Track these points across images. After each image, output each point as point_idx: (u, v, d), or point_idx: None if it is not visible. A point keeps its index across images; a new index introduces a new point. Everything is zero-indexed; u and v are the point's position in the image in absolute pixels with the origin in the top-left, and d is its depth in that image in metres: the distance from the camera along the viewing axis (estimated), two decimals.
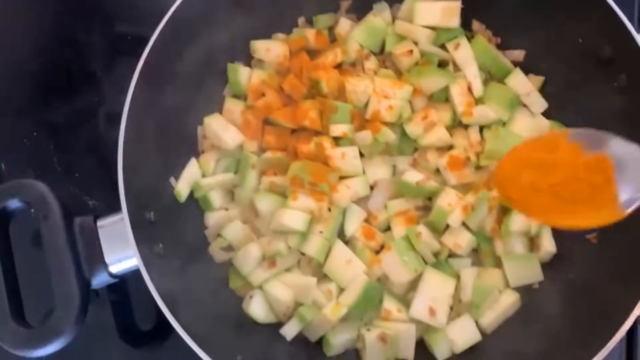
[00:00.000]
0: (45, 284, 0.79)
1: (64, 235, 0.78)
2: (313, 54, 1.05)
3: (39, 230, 0.82)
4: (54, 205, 0.80)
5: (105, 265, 0.81)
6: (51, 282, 0.77)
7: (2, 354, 0.76)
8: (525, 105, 1.00)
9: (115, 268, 0.82)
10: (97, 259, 0.80)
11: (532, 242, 0.94)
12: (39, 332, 0.75)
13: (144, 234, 0.81)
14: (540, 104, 0.99)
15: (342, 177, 0.96)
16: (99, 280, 0.81)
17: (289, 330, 0.89)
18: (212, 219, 0.96)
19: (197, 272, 0.91)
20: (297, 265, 0.94)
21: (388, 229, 0.96)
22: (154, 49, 0.89)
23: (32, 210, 0.81)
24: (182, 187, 0.94)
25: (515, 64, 1.02)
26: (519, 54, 1.03)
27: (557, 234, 0.93)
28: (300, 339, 0.91)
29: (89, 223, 0.82)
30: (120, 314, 1.04)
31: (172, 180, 0.94)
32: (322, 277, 0.93)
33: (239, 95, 1.04)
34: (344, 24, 1.06)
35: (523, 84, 0.99)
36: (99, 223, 0.83)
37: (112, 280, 0.83)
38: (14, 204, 0.80)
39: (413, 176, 0.94)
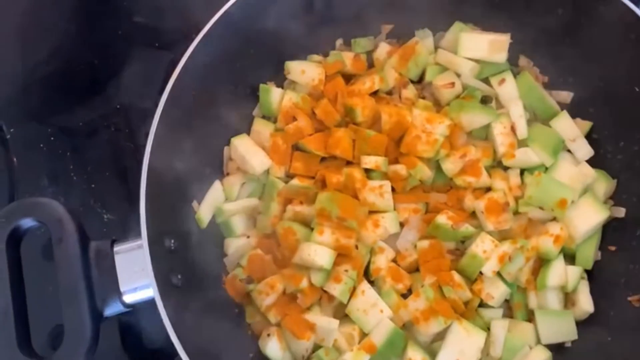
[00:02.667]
0: (54, 301, 0.75)
1: (79, 262, 0.74)
2: (348, 77, 1.01)
3: (49, 243, 0.78)
4: (70, 227, 0.75)
5: (120, 295, 0.76)
6: (62, 310, 0.73)
7: None
8: (569, 151, 0.95)
9: (130, 298, 0.77)
10: (112, 288, 0.76)
11: (568, 298, 0.90)
12: None
13: (163, 264, 0.77)
14: (586, 150, 0.94)
15: (371, 212, 0.91)
16: (112, 310, 0.77)
17: None
18: (232, 246, 0.92)
19: (215, 304, 0.86)
20: (317, 302, 0.89)
21: (417, 269, 0.91)
22: (185, 67, 0.85)
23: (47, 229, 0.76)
24: (204, 212, 0.90)
25: (562, 106, 0.97)
26: (566, 96, 0.97)
27: (596, 292, 0.88)
28: None
29: (105, 248, 0.77)
30: (126, 332, 0.99)
31: (194, 204, 0.89)
32: (343, 317, 0.88)
33: (269, 117, 0.99)
34: (383, 49, 1.02)
35: (569, 128, 0.94)
36: (116, 248, 0.78)
37: (125, 310, 0.78)
38: (27, 223, 0.76)
39: (447, 217, 0.89)
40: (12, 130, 1.07)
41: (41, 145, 1.06)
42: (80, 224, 0.77)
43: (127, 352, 0.98)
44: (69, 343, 0.72)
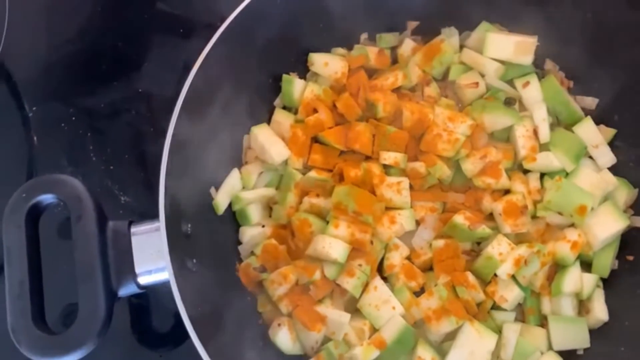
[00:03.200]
0: (67, 280, 0.76)
1: (96, 240, 0.74)
2: (371, 72, 1.00)
3: (66, 222, 0.78)
4: (89, 206, 0.76)
5: (135, 276, 0.76)
6: (77, 287, 0.73)
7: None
8: (591, 158, 0.94)
9: (145, 279, 0.77)
10: (127, 269, 0.76)
11: (582, 305, 0.89)
12: (59, 339, 0.71)
13: (179, 247, 0.77)
14: (608, 158, 0.93)
15: (387, 208, 0.91)
16: (126, 291, 0.77)
17: None
18: (247, 234, 0.91)
19: (227, 291, 0.86)
20: (329, 295, 0.89)
21: (430, 268, 0.91)
22: (209, 54, 0.85)
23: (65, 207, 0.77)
24: (221, 198, 0.90)
25: (586, 111, 0.96)
26: (591, 102, 0.96)
27: (611, 300, 0.87)
28: None
29: (122, 229, 0.77)
30: (136, 313, 1.00)
31: (212, 190, 0.89)
32: (355, 311, 0.88)
33: (290, 108, 0.99)
34: (407, 45, 1.01)
35: (593, 135, 0.93)
36: (133, 230, 0.78)
37: (139, 291, 0.79)
38: (47, 199, 0.76)
39: (465, 218, 0.88)
40: (34, 108, 1.08)
41: (62, 124, 1.06)
42: (99, 203, 0.78)
43: (135, 333, 0.98)
44: (82, 321, 0.72)
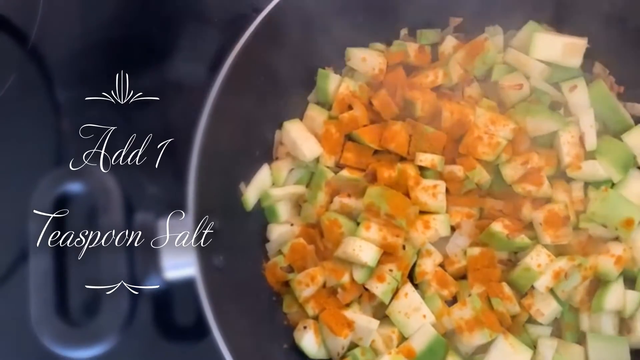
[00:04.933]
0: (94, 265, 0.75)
1: (122, 233, 0.72)
2: (410, 69, 0.97)
3: (94, 211, 0.77)
4: (116, 197, 0.74)
5: (160, 271, 0.74)
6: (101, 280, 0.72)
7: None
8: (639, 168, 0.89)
9: (170, 274, 0.75)
10: (153, 262, 0.74)
11: (624, 324, 0.84)
12: (82, 332, 0.70)
13: (206, 244, 0.75)
14: None
15: (421, 212, 0.88)
16: (151, 285, 0.75)
17: None
18: (275, 232, 0.89)
19: (252, 289, 0.84)
20: (357, 299, 0.86)
21: (464, 277, 0.87)
22: (245, 46, 0.82)
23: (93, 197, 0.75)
24: (250, 194, 0.88)
25: (636, 119, 0.91)
26: None
27: None
28: None
29: (149, 222, 0.75)
30: (159, 307, 0.98)
31: (241, 185, 0.87)
32: (383, 318, 0.85)
33: (324, 104, 0.96)
34: (449, 43, 0.97)
35: None
36: (160, 223, 0.76)
37: (164, 286, 0.77)
38: (74, 189, 0.75)
39: (503, 226, 0.84)
40: (65, 93, 1.07)
41: (92, 111, 1.05)
42: (127, 195, 0.76)
43: (158, 327, 0.97)
44: (106, 314, 0.70)
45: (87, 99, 1.06)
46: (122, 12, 1.13)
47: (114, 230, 0.72)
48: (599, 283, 0.85)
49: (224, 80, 0.81)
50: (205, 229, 0.76)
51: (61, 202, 0.75)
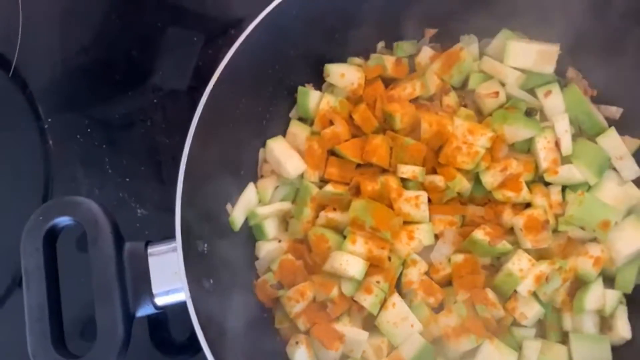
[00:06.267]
0: (86, 294, 0.76)
1: (114, 263, 0.74)
2: (389, 82, 0.98)
3: (82, 236, 0.79)
4: (105, 228, 0.75)
5: (152, 297, 0.76)
6: (95, 310, 0.73)
7: None
8: (615, 170, 0.91)
9: (162, 300, 0.77)
10: (144, 290, 0.76)
11: (605, 322, 0.87)
12: None
13: (196, 268, 0.77)
14: (633, 170, 0.91)
15: (405, 222, 0.90)
16: (144, 311, 0.77)
17: None
18: (264, 249, 0.91)
19: (243, 308, 0.86)
20: (347, 312, 0.88)
21: (449, 283, 0.90)
22: (226, 68, 0.83)
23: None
24: (237, 214, 0.89)
25: (610, 121, 0.94)
26: (615, 111, 0.94)
27: (635, 317, 0.86)
28: None
29: (139, 250, 0.77)
30: (154, 326, 1.00)
31: (228, 206, 0.89)
32: (372, 328, 0.87)
33: (305, 120, 0.97)
34: (426, 54, 0.99)
35: (617, 146, 0.90)
36: (150, 250, 0.78)
37: (156, 312, 0.79)
38: (64, 221, 0.76)
39: (485, 233, 0.87)
40: (49, 119, 1.08)
41: (77, 136, 1.06)
42: (116, 224, 0.78)
43: (154, 345, 0.99)
44: (101, 343, 0.72)
45: (71, 121, 1.08)
46: (101, 34, 1.14)
47: (105, 261, 0.74)
48: (579, 284, 0.87)
49: (207, 102, 0.82)
50: (193, 254, 0.78)
51: (51, 235, 0.76)
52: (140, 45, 1.13)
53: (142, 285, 0.76)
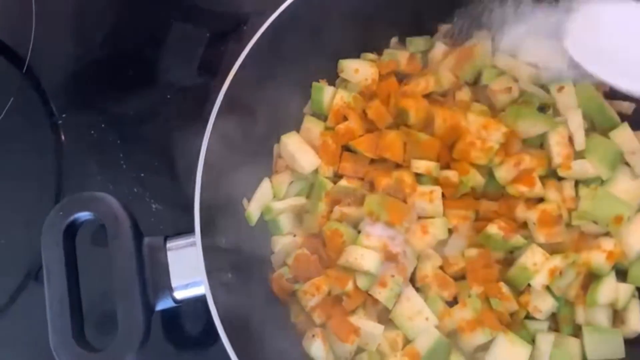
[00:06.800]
0: (104, 287, 0.77)
1: (134, 259, 0.75)
2: (402, 77, 0.99)
3: (98, 230, 0.80)
4: (125, 224, 0.76)
5: (171, 291, 0.77)
6: (116, 304, 0.74)
7: None
8: (628, 164, 0.92)
9: (181, 294, 0.78)
10: (164, 284, 0.77)
11: (617, 315, 0.88)
12: (100, 356, 0.72)
13: (214, 262, 0.78)
14: None
15: (419, 217, 0.90)
16: (163, 305, 0.78)
17: None
18: (279, 244, 0.92)
19: (261, 301, 0.87)
20: (362, 305, 0.89)
21: (463, 277, 0.91)
22: (244, 63, 0.84)
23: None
24: (253, 209, 0.90)
25: (623, 117, 0.94)
26: (628, 107, 0.94)
27: None
28: None
29: (158, 244, 0.78)
30: (171, 322, 1.01)
31: (244, 201, 0.90)
32: (388, 322, 0.88)
33: (320, 115, 0.98)
34: (439, 49, 0.99)
35: (629, 141, 0.91)
36: (169, 245, 0.79)
37: (175, 305, 0.79)
38: (84, 216, 0.77)
39: (499, 228, 0.87)
40: (63, 115, 1.08)
41: (92, 132, 1.07)
42: (135, 220, 0.78)
43: (169, 339, 1.00)
44: (122, 336, 0.73)
45: (85, 117, 1.09)
46: (113, 31, 1.15)
47: (125, 257, 0.75)
48: (592, 277, 0.88)
49: (224, 97, 0.83)
50: (212, 248, 0.79)
51: (71, 230, 0.77)
52: (152, 42, 1.13)
53: (162, 279, 0.77)
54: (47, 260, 0.75)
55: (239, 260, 0.84)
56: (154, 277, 0.76)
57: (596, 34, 0.66)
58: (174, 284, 0.77)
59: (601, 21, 0.67)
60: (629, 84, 0.67)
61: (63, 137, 1.08)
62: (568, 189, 0.91)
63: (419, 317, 0.85)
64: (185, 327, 1.01)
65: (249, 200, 0.91)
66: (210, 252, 0.77)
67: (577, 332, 0.88)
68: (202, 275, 0.76)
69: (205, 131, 0.80)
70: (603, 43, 0.66)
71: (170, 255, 0.78)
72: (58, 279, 0.74)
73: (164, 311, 0.98)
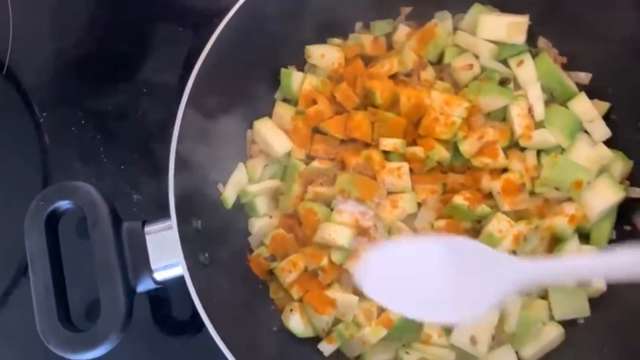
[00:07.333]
0: (88, 277, 0.80)
1: (113, 242, 0.78)
2: (368, 60, 1.02)
3: (81, 223, 0.83)
4: (104, 211, 0.80)
5: (151, 272, 0.81)
6: (98, 287, 0.78)
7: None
8: (586, 132, 0.96)
9: (160, 275, 0.81)
10: (144, 266, 0.80)
11: None
12: (85, 336, 0.76)
13: (191, 244, 0.81)
14: (603, 132, 0.95)
15: (389, 193, 0.94)
16: (144, 287, 0.82)
17: (328, 347, 0.89)
18: (256, 225, 0.95)
19: (239, 280, 0.91)
20: (338, 279, 0.93)
21: None
22: (211, 51, 0.87)
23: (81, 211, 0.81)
24: (229, 193, 0.93)
25: (580, 87, 0.98)
26: (585, 77, 0.98)
27: None
28: (338, 354, 0.91)
29: (136, 229, 0.82)
30: (157, 305, 1.04)
31: (219, 186, 0.93)
32: (362, 293, 0.91)
33: (290, 100, 1.01)
34: (402, 31, 1.03)
35: (587, 110, 0.95)
36: (147, 229, 0.82)
37: (156, 286, 0.83)
38: (64, 205, 0.80)
39: (464, 198, 0.91)
40: (44, 114, 1.12)
41: (72, 128, 1.10)
42: (113, 207, 0.82)
43: (157, 323, 1.03)
44: (105, 317, 0.77)
45: (66, 115, 1.12)
46: (91, 29, 1.18)
47: (105, 241, 0.79)
48: (557, 241, 0.92)
49: (192, 88, 0.86)
50: (188, 230, 0.82)
51: (53, 218, 0.81)
52: (129, 39, 1.16)
53: (141, 261, 0.80)
54: (30, 248, 0.78)
55: (216, 241, 0.88)
56: (134, 260, 0.80)
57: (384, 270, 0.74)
58: (153, 265, 0.81)
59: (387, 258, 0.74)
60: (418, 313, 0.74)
61: (45, 135, 1.11)
62: (530, 158, 0.94)
63: None
64: (174, 313, 1.04)
65: (224, 184, 0.94)
66: (186, 235, 0.80)
67: (544, 294, 0.92)
68: (180, 257, 0.79)
69: (176, 121, 0.84)
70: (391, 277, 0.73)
71: (149, 239, 0.82)
72: (42, 266, 0.78)
73: (152, 298, 1.04)
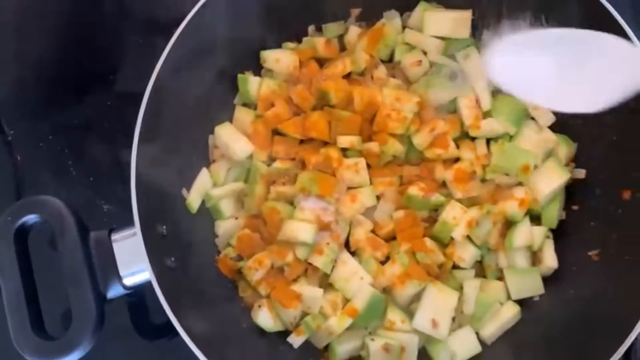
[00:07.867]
0: (61, 287, 0.83)
1: (80, 251, 0.82)
2: (323, 62, 1.06)
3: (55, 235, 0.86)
4: (69, 220, 0.83)
5: (120, 278, 0.84)
6: (68, 296, 0.81)
7: None
8: (533, 118, 1.00)
9: (129, 281, 0.85)
10: (112, 273, 0.84)
11: (535, 256, 0.96)
12: (58, 343, 0.79)
13: (156, 249, 0.84)
14: (548, 117, 0.99)
15: (348, 188, 0.98)
16: (114, 293, 0.85)
17: (296, 339, 0.92)
18: (222, 227, 0.99)
19: (208, 282, 0.94)
20: (304, 274, 0.97)
21: (393, 238, 0.98)
22: (167, 61, 0.91)
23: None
24: (193, 197, 0.97)
25: None
26: None
27: (561, 249, 0.95)
28: (307, 345, 0.94)
29: (103, 237, 0.85)
30: (134, 310, 1.07)
31: (183, 191, 0.96)
32: (328, 286, 0.95)
33: (250, 104, 1.05)
34: (353, 32, 1.07)
35: None
36: (113, 237, 0.86)
37: (126, 292, 0.86)
38: (32, 219, 0.83)
39: (419, 189, 0.95)
40: (12, 132, 1.14)
41: (41, 144, 1.13)
42: (79, 217, 0.85)
43: (135, 328, 1.06)
44: (76, 324, 0.80)
45: (34, 130, 1.15)
46: (55, 44, 1.20)
47: (72, 251, 0.82)
48: (509, 225, 0.96)
49: (149, 98, 0.89)
50: (153, 236, 0.85)
51: (22, 232, 0.83)
52: (94, 52, 1.19)
53: (110, 268, 0.84)
54: (0, 261, 0.81)
55: (182, 245, 0.91)
56: (102, 267, 0.83)
57: (515, 59, 0.76)
58: (121, 272, 0.84)
59: (517, 47, 0.77)
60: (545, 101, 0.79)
61: (15, 152, 1.13)
62: (480, 147, 0.99)
63: (355, 277, 0.93)
64: (150, 318, 1.07)
65: (188, 190, 0.97)
66: (152, 240, 0.84)
67: (501, 276, 0.96)
68: (145, 262, 0.82)
69: (135, 130, 0.87)
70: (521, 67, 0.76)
71: (116, 246, 0.85)
72: (13, 278, 0.81)
73: (129, 304, 1.07)
